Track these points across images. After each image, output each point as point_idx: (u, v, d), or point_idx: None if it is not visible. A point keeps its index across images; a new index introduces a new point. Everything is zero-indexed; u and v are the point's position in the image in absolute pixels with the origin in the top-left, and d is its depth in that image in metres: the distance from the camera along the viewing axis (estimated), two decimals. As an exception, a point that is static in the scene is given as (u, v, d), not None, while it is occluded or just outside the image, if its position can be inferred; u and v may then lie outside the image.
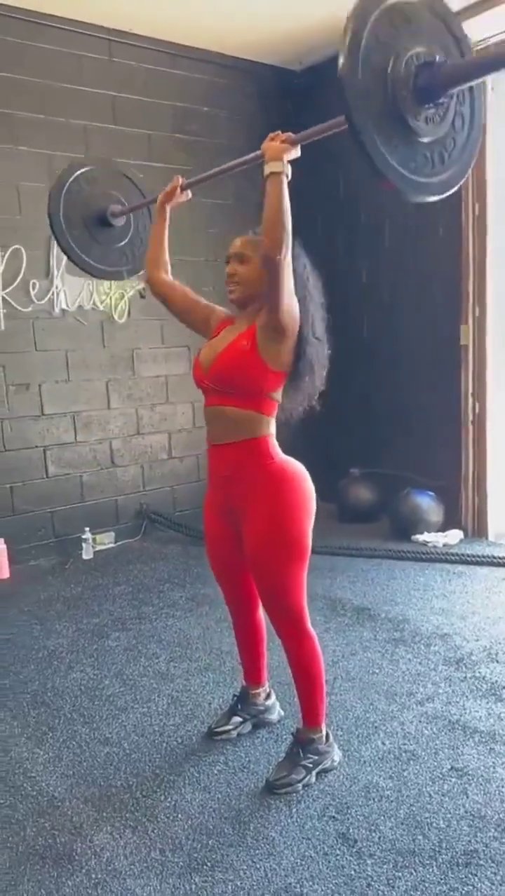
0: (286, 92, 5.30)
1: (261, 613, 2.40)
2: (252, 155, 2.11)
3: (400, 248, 4.87)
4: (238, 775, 2.26)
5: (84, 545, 4.54)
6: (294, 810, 2.08)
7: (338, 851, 1.91)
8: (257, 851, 1.93)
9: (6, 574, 4.25)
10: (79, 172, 2.74)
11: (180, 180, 2.40)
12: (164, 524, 4.89)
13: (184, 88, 4.88)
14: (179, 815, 2.08)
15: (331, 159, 5.18)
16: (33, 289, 4.35)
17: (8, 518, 4.39)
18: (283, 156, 1.93)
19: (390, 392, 5.03)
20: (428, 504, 4.65)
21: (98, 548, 4.64)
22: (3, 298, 4.25)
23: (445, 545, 4.46)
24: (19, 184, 4.28)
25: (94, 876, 1.86)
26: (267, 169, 1.94)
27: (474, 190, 4.38)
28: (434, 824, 2.01)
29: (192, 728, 2.54)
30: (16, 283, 4.28)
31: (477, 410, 4.57)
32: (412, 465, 4.87)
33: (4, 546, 4.25)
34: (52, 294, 4.42)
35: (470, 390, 4.54)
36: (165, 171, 4.82)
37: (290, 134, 1.96)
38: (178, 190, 2.40)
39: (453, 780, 2.20)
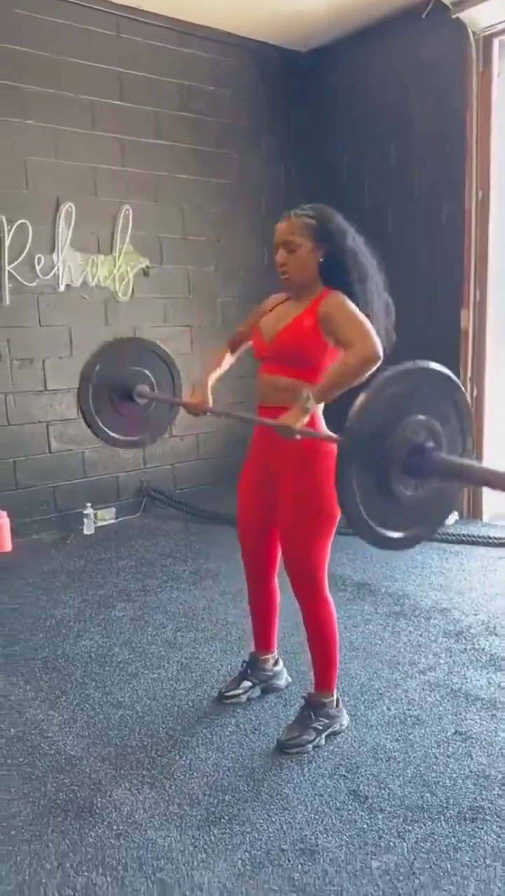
0: (291, 72, 5.32)
1: (276, 581, 2.47)
2: (272, 422, 2.08)
3: (403, 232, 4.91)
4: (250, 737, 2.33)
5: (85, 520, 4.59)
6: (306, 769, 2.16)
7: (350, 807, 1.99)
8: (272, 806, 2.00)
9: (8, 547, 4.29)
10: (112, 351, 2.78)
11: (203, 403, 2.44)
12: (165, 502, 4.94)
13: (190, 67, 4.88)
14: (195, 773, 2.15)
15: (335, 139, 5.24)
16: (38, 264, 4.36)
17: (10, 492, 4.42)
18: (300, 417, 2.00)
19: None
20: (425, 485, 4.72)
21: (99, 523, 4.69)
22: (9, 273, 4.26)
23: (441, 525, 4.54)
24: (27, 158, 4.28)
25: (115, 827, 1.93)
26: (305, 408, 2.00)
27: (478, 176, 4.43)
28: (441, 783, 2.09)
29: (202, 693, 2.61)
30: (21, 258, 4.29)
31: (475, 394, 4.64)
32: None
33: (7, 519, 4.29)
34: (57, 269, 4.43)
35: (469, 374, 4.62)
36: (172, 149, 4.85)
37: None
38: (202, 403, 2.44)
39: (458, 743, 2.28)
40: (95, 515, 4.65)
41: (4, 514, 4.30)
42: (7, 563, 4.08)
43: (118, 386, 2.74)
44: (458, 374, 4.57)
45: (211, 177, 5.06)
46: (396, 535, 1.77)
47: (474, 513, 4.76)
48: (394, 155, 4.90)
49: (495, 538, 4.22)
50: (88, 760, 2.23)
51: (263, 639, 2.56)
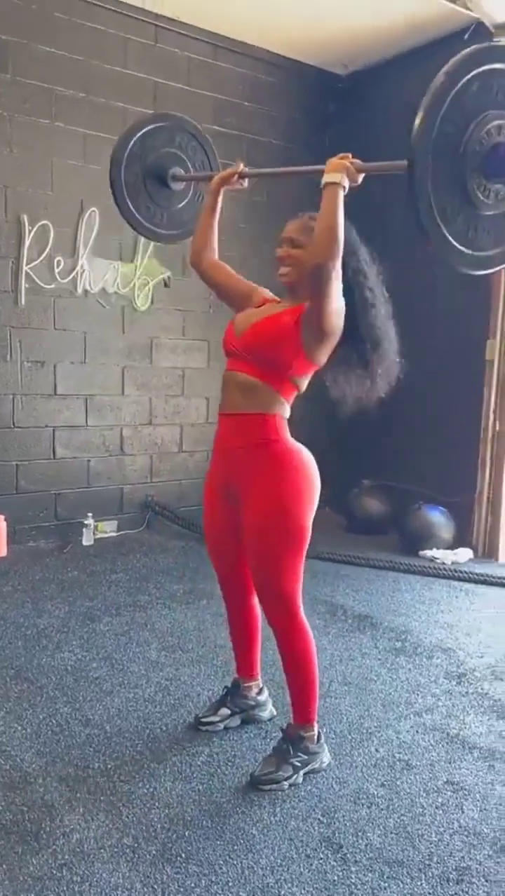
0: (329, 94, 5.26)
1: (255, 602, 2.30)
2: (315, 167, 2.02)
3: (431, 258, 4.78)
4: (222, 769, 2.14)
5: (85, 531, 4.45)
6: (278, 809, 1.97)
7: (321, 855, 1.80)
8: (235, 847, 1.81)
9: (3, 552, 4.16)
10: (152, 126, 2.62)
11: (241, 167, 2.29)
12: (169, 518, 4.79)
13: (225, 81, 4.84)
14: (156, 804, 1.97)
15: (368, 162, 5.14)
16: (57, 266, 4.30)
17: (11, 496, 4.31)
18: (343, 171, 1.88)
19: (410, 404, 4.90)
20: (439, 520, 4.53)
21: (99, 535, 4.55)
22: (27, 273, 4.20)
23: (453, 563, 4.33)
24: (53, 160, 4.24)
25: (60, 857, 1.75)
26: (325, 178, 1.90)
27: (512, 203, 4.29)
28: (426, 836, 1.88)
29: (178, 717, 2.43)
30: (40, 259, 4.23)
31: (497, 428, 4.46)
32: (426, 480, 4.75)
33: (4, 524, 4.17)
34: (76, 273, 4.36)
35: (492, 407, 4.44)
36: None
37: (357, 160, 1.91)
38: (236, 177, 2.28)
39: (449, 793, 2.07)
40: (96, 527, 4.52)
41: (2, 518, 4.18)
42: (0, 568, 3.95)
43: (151, 170, 2.57)
44: (481, 406, 4.44)
45: (241, 194, 4.98)
46: (477, 253, 1.62)
47: (489, 552, 4.54)
48: (427, 180, 4.79)
49: (509, 579, 4.00)
50: (45, 780, 2.05)
51: (244, 664, 2.38)
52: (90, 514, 4.47)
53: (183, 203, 2.71)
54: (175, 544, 4.52)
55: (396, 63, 4.89)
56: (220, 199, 2.31)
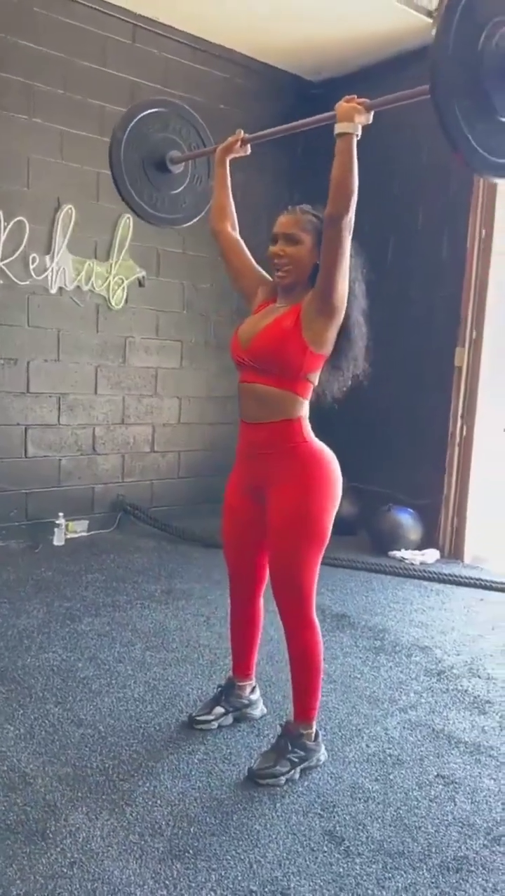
0: (302, 100, 5.31)
1: (261, 603, 2.34)
2: (323, 115, 2.07)
3: (402, 266, 4.89)
4: (219, 766, 2.17)
5: (56, 531, 4.40)
6: (278, 805, 2.00)
7: (325, 848, 1.84)
8: (241, 842, 1.84)
9: (-27, 552, 4.10)
10: (147, 112, 2.66)
11: (242, 134, 2.34)
12: (141, 518, 4.78)
13: (201, 83, 4.86)
14: (158, 801, 1.99)
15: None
16: (32, 263, 4.25)
17: (-20, 495, 4.25)
18: (354, 117, 1.91)
19: (380, 408, 5.01)
20: (408, 522, 4.63)
21: (70, 535, 4.51)
22: (1, 269, 4.14)
23: (421, 563, 4.44)
24: (30, 156, 4.20)
25: (69, 855, 1.75)
26: (337, 129, 1.92)
27: (483, 214, 4.42)
28: (422, 828, 1.95)
29: (169, 716, 2.45)
30: (15, 256, 4.18)
31: (465, 433, 4.58)
32: (395, 482, 4.85)
33: (-25, 523, 4.11)
34: (51, 271, 4.32)
35: (459, 412, 4.56)
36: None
37: (365, 99, 1.94)
38: (238, 144, 2.34)
39: (440, 787, 2.14)
40: (67, 527, 4.48)
41: (-28, 517, 4.12)
42: (-29, 568, 3.89)
43: (151, 151, 2.62)
44: (449, 411, 4.56)
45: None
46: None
47: (455, 553, 4.66)
48: (398, 189, 4.90)
49: (480, 580, 4.11)
50: (44, 780, 2.05)
51: (242, 663, 2.41)
52: (61, 514, 4.44)
53: (182, 187, 2.75)
54: (147, 544, 4.51)
55: (369, 73, 4.98)
56: (227, 169, 2.36)
